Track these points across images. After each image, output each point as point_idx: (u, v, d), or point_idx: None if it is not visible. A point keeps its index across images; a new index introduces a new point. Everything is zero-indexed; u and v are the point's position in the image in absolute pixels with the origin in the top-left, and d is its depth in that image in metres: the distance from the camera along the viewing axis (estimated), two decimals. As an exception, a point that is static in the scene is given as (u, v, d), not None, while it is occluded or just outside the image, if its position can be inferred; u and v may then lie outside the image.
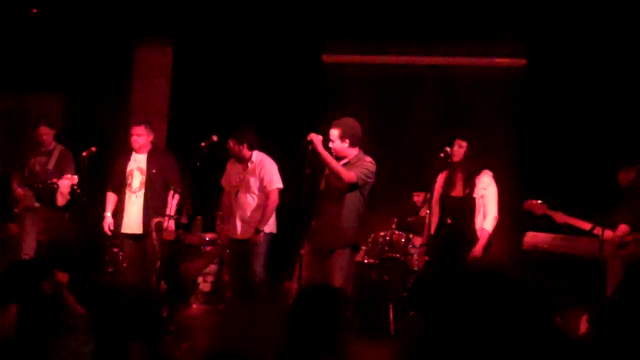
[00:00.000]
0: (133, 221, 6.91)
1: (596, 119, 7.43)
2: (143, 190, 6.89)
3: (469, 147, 6.11)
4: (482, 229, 6.05)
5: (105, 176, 7.15)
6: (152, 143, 7.06)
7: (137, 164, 6.96)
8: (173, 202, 6.78)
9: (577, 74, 7.61)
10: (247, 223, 6.70)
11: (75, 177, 6.90)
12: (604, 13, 7.42)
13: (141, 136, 6.92)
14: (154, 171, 6.90)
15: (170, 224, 6.61)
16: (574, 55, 7.64)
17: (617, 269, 5.91)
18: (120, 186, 6.98)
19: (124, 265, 7.03)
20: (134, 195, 6.93)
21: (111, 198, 7.02)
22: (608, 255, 5.81)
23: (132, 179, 6.94)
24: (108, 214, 6.98)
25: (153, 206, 6.85)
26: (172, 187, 6.79)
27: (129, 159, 7.00)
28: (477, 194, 6.11)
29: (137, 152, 6.98)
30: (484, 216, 6.10)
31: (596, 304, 4.01)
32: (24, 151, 7.34)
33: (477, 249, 5.98)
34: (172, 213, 6.68)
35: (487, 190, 6.10)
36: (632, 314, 3.76)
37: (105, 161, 7.22)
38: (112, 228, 6.94)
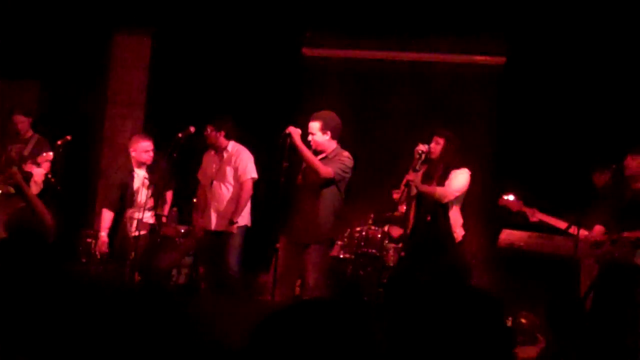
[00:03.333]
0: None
1: (574, 118, 7.47)
2: (152, 204, 6.67)
3: (446, 145, 6.10)
4: (434, 188, 6.05)
5: (81, 165, 7.08)
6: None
7: (140, 179, 6.70)
8: (168, 198, 6.79)
9: (556, 72, 7.64)
10: (221, 215, 6.67)
11: (50, 153, 6.79)
12: (583, 12, 7.45)
13: (149, 152, 6.66)
14: (156, 182, 6.65)
15: (146, 216, 6.58)
16: (552, 53, 7.68)
17: (591, 268, 5.95)
18: (120, 203, 6.72)
19: (98, 256, 6.97)
20: (142, 211, 6.57)
21: (107, 216, 6.73)
22: (583, 255, 5.84)
23: (138, 195, 6.67)
24: (103, 234, 6.71)
25: (166, 200, 6.80)
26: (165, 190, 6.75)
27: (132, 176, 6.72)
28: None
29: (137, 167, 6.71)
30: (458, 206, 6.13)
31: (554, 303, 4.03)
32: (0, 138, 7.29)
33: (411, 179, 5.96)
34: (167, 210, 6.70)
35: (458, 177, 6.08)
36: (604, 313, 3.80)
37: (81, 150, 7.16)
38: (106, 250, 6.70)
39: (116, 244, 6.74)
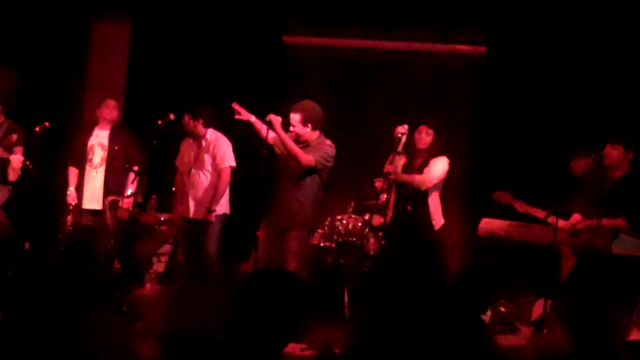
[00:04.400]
0: (94, 197, 6.95)
1: (554, 107, 7.50)
2: (104, 167, 6.90)
3: (435, 136, 6.15)
4: (413, 176, 6.07)
5: (60, 152, 7.04)
6: (119, 119, 7.11)
7: (99, 140, 7.00)
8: (132, 180, 6.71)
9: (536, 62, 7.66)
10: (199, 202, 6.65)
11: (14, 136, 6.79)
12: (564, 1, 7.47)
13: (109, 109, 7.00)
14: (115, 148, 6.93)
15: (125, 202, 6.57)
16: (534, 43, 7.69)
17: (569, 256, 5.99)
18: (81, 161, 7.00)
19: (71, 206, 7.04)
20: (94, 171, 6.96)
21: (73, 172, 7.05)
22: (561, 243, 5.88)
23: (93, 154, 6.98)
24: (72, 188, 7.01)
25: (113, 183, 6.88)
26: (130, 165, 6.76)
27: (90, 134, 7.04)
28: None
29: (100, 127, 7.02)
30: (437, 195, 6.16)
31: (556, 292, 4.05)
32: None
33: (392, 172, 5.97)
34: (131, 192, 6.65)
35: (436, 165, 6.12)
36: (582, 300, 3.81)
37: (59, 136, 7.10)
38: (75, 201, 6.96)
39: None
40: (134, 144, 6.91)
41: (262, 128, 5.87)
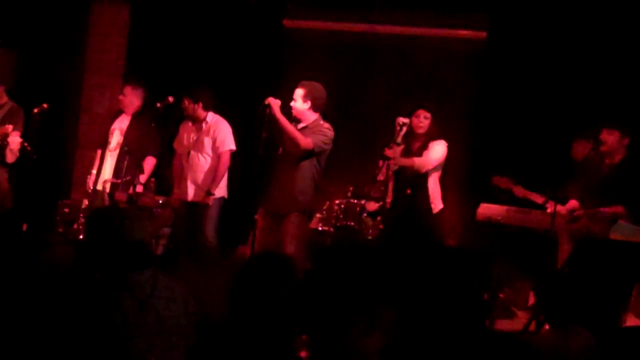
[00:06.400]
0: (104, 179, 6.92)
1: (554, 92, 7.47)
2: (118, 151, 6.86)
3: (433, 120, 6.15)
4: (412, 159, 6.07)
5: (58, 134, 7.04)
6: (141, 107, 7.01)
7: (120, 125, 6.99)
8: (147, 167, 6.78)
9: (538, 47, 7.63)
10: (198, 185, 6.66)
11: (10, 126, 6.75)
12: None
13: (126, 96, 6.94)
14: (131, 133, 6.86)
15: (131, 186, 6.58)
16: (534, 28, 7.66)
17: (566, 242, 5.99)
18: (103, 144, 7.02)
19: (74, 226, 6.98)
20: (109, 154, 6.94)
21: (98, 156, 7.06)
22: (559, 229, 5.88)
23: (112, 137, 6.97)
24: (93, 172, 7.01)
25: (122, 167, 6.79)
26: (144, 153, 6.78)
27: (115, 119, 7.05)
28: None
29: (126, 113, 7.00)
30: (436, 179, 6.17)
31: (543, 276, 4.06)
32: None
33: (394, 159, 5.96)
34: (145, 179, 6.72)
35: (435, 148, 6.13)
36: (579, 287, 3.83)
37: (58, 119, 7.09)
38: (91, 187, 6.94)
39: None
40: (151, 132, 6.79)
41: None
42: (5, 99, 7.06)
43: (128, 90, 6.98)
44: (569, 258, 5.75)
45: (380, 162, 5.98)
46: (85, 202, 7.01)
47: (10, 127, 6.74)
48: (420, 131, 6.16)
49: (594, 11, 7.33)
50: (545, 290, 3.83)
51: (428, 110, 6.17)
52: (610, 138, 5.81)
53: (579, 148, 6.47)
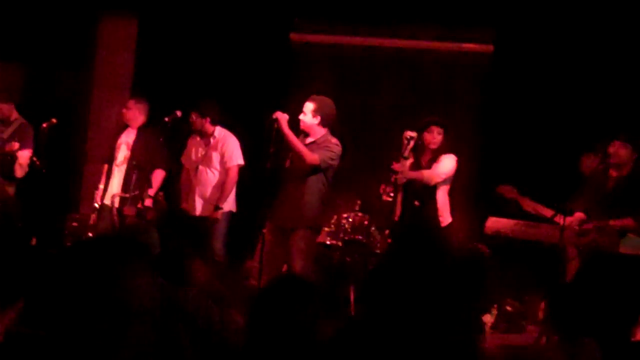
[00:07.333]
0: (111, 194, 6.84)
1: (561, 105, 7.47)
2: (125, 165, 6.81)
3: (445, 135, 6.16)
4: (421, 172, 6.08)
5: (66, 149, 7.04)
6: (146, 121, 6.97)
7: (126, 139, 6.90)
8: (156, 180, 6.76)
9: (544, 60, 7.64)
10: (206, 200, 6.66)
11: (16, 144, 6.78)
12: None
13: (130, 110, 6.87)
14: (138, 147, 6.80)
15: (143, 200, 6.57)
16: (540, 41, 7.67)
17: (574, 256, 5.97)
18: (110, 159, 6.95)
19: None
20: (116, 169, 6.87)
21: (105, 170, 6.97)
22: (568, 243, 5.86)
23: (118, 152, 6.88)
24: (100, 186, 6.92)
25: (129, 181, 6.73)
26: (153, 166, 6.75)
27: (122, 133, 6.96)
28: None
29: (131, 127, 6.91)
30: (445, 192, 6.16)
31: (553, 289, 4.04)
32: None
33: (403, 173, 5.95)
34: (154, 192, 6.68)
35: (445, 161, 6.13)
36: (589, 300, 3.81)
37: (66, 134, 7.10)
38: (99, 202, 6.88)
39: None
40: (159, 146, 6.75)
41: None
42: (15, 115, 7.09)
43: (131, 104, 6.96)
44: (578, 271, 5.73)
45: (383, 185, 5.97)
46: (94, 217, 6.99)
47: (16, 144, 6.76)
48: (434, 146, 6.15)
49: (602, 24, 7.33)
50: (554, 304, 3.82)
51: (441, 126, 6.17)
52: (622, 151, 5.79)
53: (587, 162, 6.45)
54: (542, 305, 6.22)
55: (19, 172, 6.82)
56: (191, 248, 3.97)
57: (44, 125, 6.78)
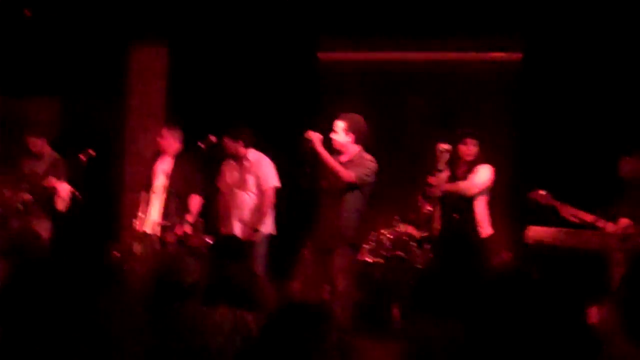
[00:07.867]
0: (150, 222, 6.91)
1: (594, 112, 7.41)
2: (163, 193, 6.86)
3: (480, 146, 6.17)
4: (457, 183, 6.08)
5: (105, 179, 7.10)
6: (181, 148, 7.02)
7: (163, 166, 6.95)
8: (193, 206, 6.79)
9: (574, 67, 7.59)
10: (244, 223, 6.68)
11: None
12: (600, 6, 7.40)
13: (164, 139, 6.92)
14: (175, 175, 6.85)
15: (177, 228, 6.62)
16: (570, 48, 7.62)
17: (620, 261, 5.91)
18: (149, 187, 6.99)
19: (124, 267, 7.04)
20: (154, 196, 6.91)
21: (144, 198, 7.00)
22: (611, 249, 5.80)
23: (155, 179, 6.94)
24: (141, 215, 6.95)
25: (169, 209, 6.81)
26: (190, 193, 6.80)
27: (158, 161, 7.02)
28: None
29: (168, 155, 6.96)
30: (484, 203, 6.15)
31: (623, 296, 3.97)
32: (17, 154, 7.29)
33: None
34: (193, 219, 6.72)
35: (481, 172, 6.13)
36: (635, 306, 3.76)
37: (104, 164, 7.18)
38: (141, 229, 6.92)
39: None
40: (195, 171, 6.83)
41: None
42: (48, 150, 7.18)
43: (165, 132, 6.99)
44: (623, 278, 5.66)
45: (420, 198, 5.97)
46: (137, 246, 7.03)
47: (53, 179, 6.86)
48: (469, 158, 6.16)
49: (632, 28, 7.27)
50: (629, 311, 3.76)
51: (476, 138, 6.18)
52: None
53: (626, 166, 6.38)
54: (592, 311, 6.15)
55: (61, 205, 6.89)
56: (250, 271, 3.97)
57: (82, 157, 6.86)
